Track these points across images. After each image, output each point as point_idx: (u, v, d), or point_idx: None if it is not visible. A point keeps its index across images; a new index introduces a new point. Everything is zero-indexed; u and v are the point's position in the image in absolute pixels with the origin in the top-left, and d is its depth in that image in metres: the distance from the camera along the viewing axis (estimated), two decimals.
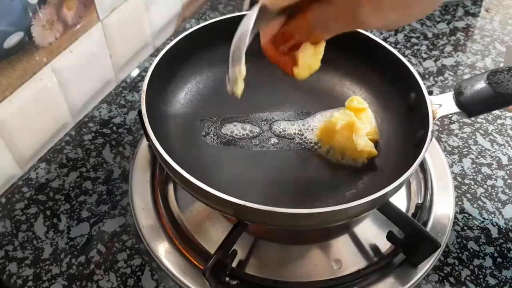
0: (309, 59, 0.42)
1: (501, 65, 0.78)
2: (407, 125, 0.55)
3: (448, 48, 0.81)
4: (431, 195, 0.57)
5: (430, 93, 0.52)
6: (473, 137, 0.67)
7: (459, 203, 0.59)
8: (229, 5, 0.89)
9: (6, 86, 0.54)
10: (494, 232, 0.56)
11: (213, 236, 0.53)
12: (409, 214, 0.53)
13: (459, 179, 0.62)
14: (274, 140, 0.57)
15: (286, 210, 0.40)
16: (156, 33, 0.79)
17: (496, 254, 0.54)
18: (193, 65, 0.61)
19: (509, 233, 0.56)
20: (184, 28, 0.84)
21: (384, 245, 0.53)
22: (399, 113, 0.57)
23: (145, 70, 0.76)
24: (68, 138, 0.66)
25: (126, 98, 0.72)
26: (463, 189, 0.61)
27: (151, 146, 0.59)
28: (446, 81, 0.75)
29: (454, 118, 0.69)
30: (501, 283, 0.52)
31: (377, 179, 0.52)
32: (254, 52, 0.64)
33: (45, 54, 0.58)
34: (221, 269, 0.47)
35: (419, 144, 0.48)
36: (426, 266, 0.51)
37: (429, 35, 0.84)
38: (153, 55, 0.79)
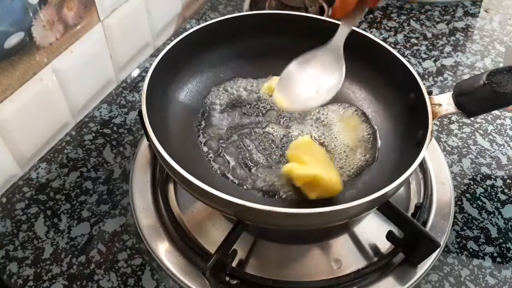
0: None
1: (501, 65, 0.78)
2: (407, 125, 0.55)
3: (448, 49, 0.81)
4: (431, 195, 0.58)
5: (430, 93, 0.52)
6: (473, 137, 0.67)
7: (459, 203, 0.59)
8: (229, 6, 0.89)
9: (6, 86, 0.55)
10: (494, 232, 0.56)
11: (213, 236, 0.53)
12: (409, 214, 0.53)
13: (459, 179, 0.62)
14: (272, 140, 0.57)
15: (286, 210, 0.40)
16: (157, 33, 0.79)
17: (495, 254, 0.54)
18: (193, 65, 0.61)
19: (509, 233, 0.56)
20: (184, 29, 0.84)
21: (384, 245, 0.53)
22: (399, 113, 0.57)
23: (146, 70, 0.76)
24: (68, 138, 0.66)
25: (127, 98, 0.72)
26: (462, 189, 0.61)
27: (151, 146, 0.59)
28: (446, 81, 0.76)
29: (454, 118, 0.69)
30: (501, 283, 0.52)
31: (377, 179, 0.52)
32: (253, 52, 0.65)
33: (46, 54, 0.58)
34: (221, 268, 0.47)
35: (419, 144, 0.48)
36: (425, 265, 0.51)
37: (429, 35, 0.84)
38: (154, 55, 0.79)
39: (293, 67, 0.53)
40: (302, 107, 0.54)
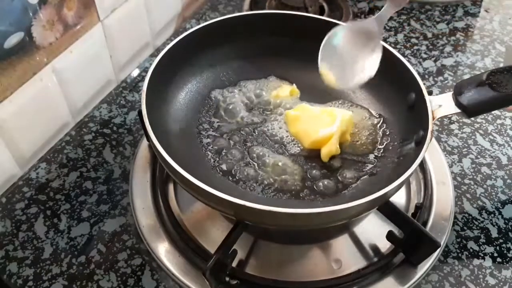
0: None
1: (501, 65, 0.78)
2: (407, 125, 0.55)
3: (448, 48, 0.81)
4: (431, 195, 0.57)
5: (430, 93, 0.52)
6: (473, 137, 0.67)
7: (459, 203, 0.59)
8: (229, 5, 0.89)
9: (6, 86, 0.55)
10: (494, 232, 0.56)
11: (213, 236, 0.53)
12: (409, 214, 0.53)
13: (459, 179, 0.62)
14: (274, 140, 0.57)
15: (286, 210, 0.40)
16: (156, 33, 0.79)
17: (495, 254, 0.54)
18: (193, 65, 0.61)
19: (509, 233, 0.56)
20: (184, 28, 0.84)
21: (384, 245, 0.53)
22: (399, 113, 0.57)
23: (145, 70, 0.76)
24: (68, 138, 0.66)
25: (127, 98, 0.72)
26: (462, 189, 0.61)
27: (151, 146, 0.59)
28: (446, 81, 0.75)
29: (454, 118, 0.69)
30: (501, 283, 0.52)
31: (377, 179, 0.52)
32: (253, 52, 0.64)
33: (46, 54, 0.58)
34: (221, 269, 0.47)
35: (419, 144, 0.48)
36: (426, 266, 0.51)
37: (429, 35, 0.84)
38: (153, 55, 0.79)
39: (341, 36, 0.52)
40: (348, 87, 0.54)
